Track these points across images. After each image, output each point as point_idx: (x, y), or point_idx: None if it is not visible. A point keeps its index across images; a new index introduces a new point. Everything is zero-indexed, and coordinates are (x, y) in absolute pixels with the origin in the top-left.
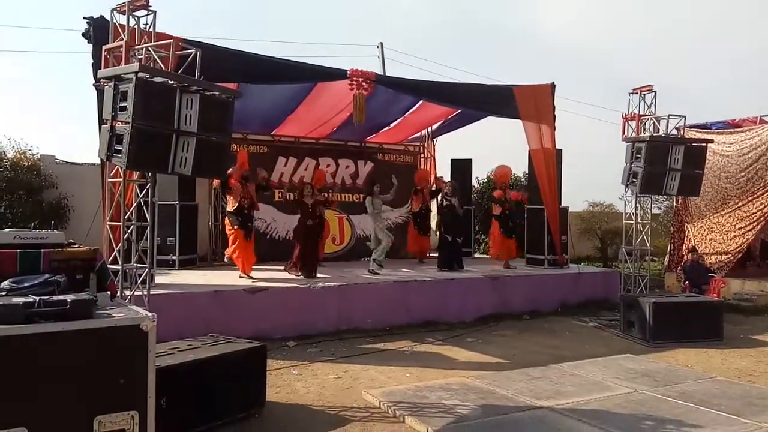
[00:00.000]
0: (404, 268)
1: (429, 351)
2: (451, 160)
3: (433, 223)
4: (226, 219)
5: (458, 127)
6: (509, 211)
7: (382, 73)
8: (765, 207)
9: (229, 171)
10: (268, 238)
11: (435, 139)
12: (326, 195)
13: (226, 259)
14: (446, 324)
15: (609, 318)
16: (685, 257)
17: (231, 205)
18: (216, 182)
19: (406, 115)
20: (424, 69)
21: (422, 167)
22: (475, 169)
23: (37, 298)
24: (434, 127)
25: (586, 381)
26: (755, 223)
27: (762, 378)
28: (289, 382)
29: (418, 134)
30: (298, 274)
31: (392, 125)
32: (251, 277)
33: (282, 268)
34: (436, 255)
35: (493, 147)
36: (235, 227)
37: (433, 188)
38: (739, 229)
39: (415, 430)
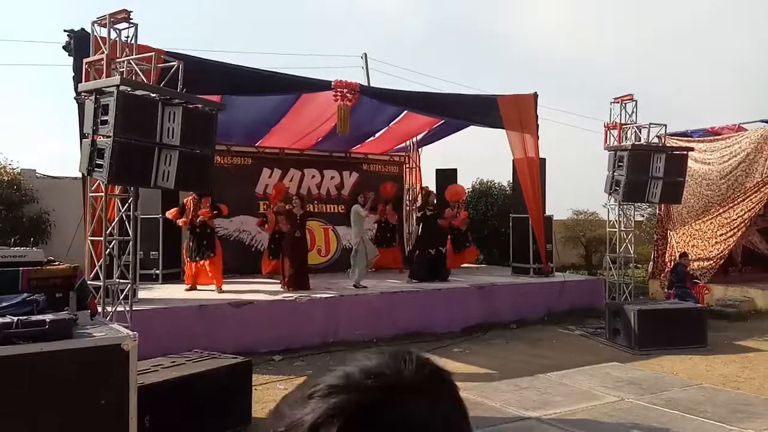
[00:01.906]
0: (390, 280)
1: None
2: (437, 170)
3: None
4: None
5: (442, 137)
6: (455, 229)
7: (366, 84)
8: (745, 213)
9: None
10: (253, 251)
11: (420, 149)
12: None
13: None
14: (433, 335)
15: (595, 326)
16: (670, 264)
17: (183, 224)
18: (171, 214)
19: (390, 125)
20: (408, 79)
21: (407, 178)
22: (460, 179)
23: (15, 319)
24: (419, 137)
25: (573, 390)
26: (736, 230)
27: (747, 384)
28: (275, 397)
29: (404, 144)
30: (293, 290)
31: (377, 135)
32: (195, 288)
33: (266, 280)
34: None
35: (479, 156)
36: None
37: (419, 198)
38: (721, 235)
39: None
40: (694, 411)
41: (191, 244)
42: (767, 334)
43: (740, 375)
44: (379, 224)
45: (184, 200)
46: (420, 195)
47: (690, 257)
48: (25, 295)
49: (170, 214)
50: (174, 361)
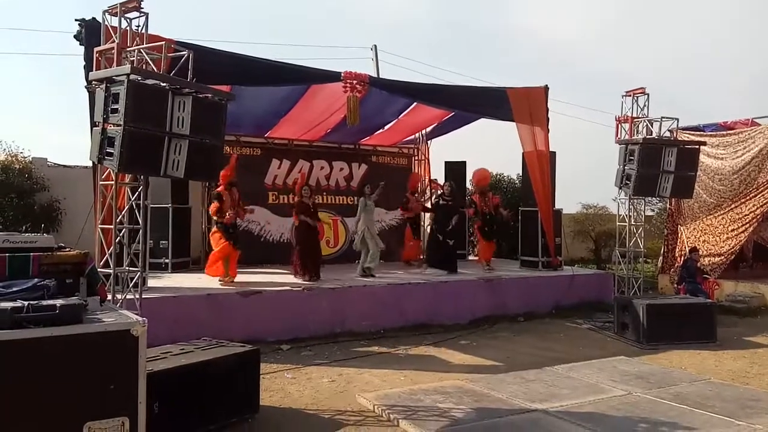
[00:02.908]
0: (398, 271)
1: (423, 354)
2: (446, 162)
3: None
4: (216, 229)
5: (452, 129)
6: (489, 215)
7: (376, 76)
8: (757, 209)
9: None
10: (262, 241)
11: (429, 142)
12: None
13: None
14: (441, 326)
15: (603, 320)
16: (680, 259)
17: (224, 216)
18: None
19: (400, 117)
20: (418, 71)
21: (416, 170)
22: (470, 172)
23: (26, 303)
24: (428, 129)
25: (581, 383)
26: (748, 225)
27: (755, 380)
28: (283, 385)
29: (413, 136)
30: (308, 279)
31: (386, 127)
32: (233, 281)
33: (275, 270)
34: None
35: (488, 149)
36: (224, 237)
37: (427, 191)
38: (732, 230)
39: None
40: (702, 406)
41: (230, 230)
42: None
43: (749, 371)
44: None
45: (220, 191)
46: (429, 187)
47: (701, 252)
48: (36, 280)
49: (213, 209)
50: (183, 349)
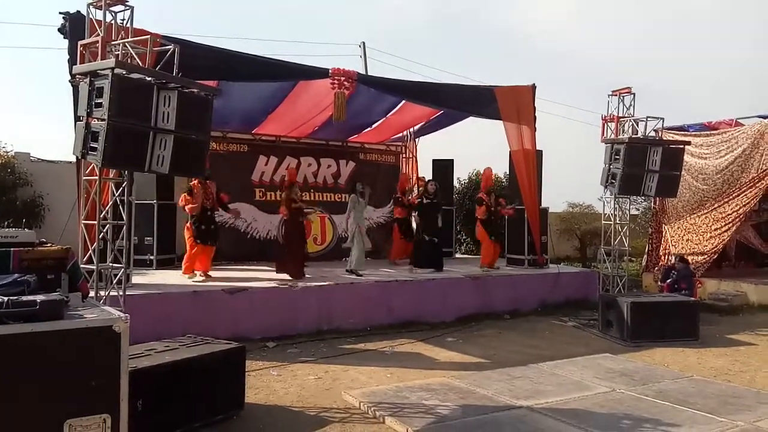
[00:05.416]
0: (385, 269)
1: (410, 351)
2: (433, 160)
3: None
4: (188, 222)
5: (440, 128)
6: (494, 216)
7: (364, 73)
8: (740, 208)
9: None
10: (249, 238)
11: (417, 139)
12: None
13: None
14: (427, 324)
15: (588, 317)
16: (664, 261)
17: (192, 208)
18: (183, 200)
19: (388, 115)
20: (406, 69)
21: (404, 167)
22: (457, 170)
23: (6, 299)
24: (416, 127)
25: (566, 380)
26: (731, 224)
27: (737, 377)
28: (269, 383)
29: (401, 134)
30: (289, 275)
31: (374, 125)
32: (195, 274)
33: (262, 267)
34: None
35: (475, 147)
36: (194, 235)
37: (415, 189)
38: (715, 230)
39: (395, 431)
40: (684, 402)
41: (202, 227)
42: (759, 328)
43: (731, 368)
44: (405, 217)
45: (191, 184)
46: (416, 185)
47: (684, 251)
48: (16, 275)
49: (182, 200)
50: (167, 346)
